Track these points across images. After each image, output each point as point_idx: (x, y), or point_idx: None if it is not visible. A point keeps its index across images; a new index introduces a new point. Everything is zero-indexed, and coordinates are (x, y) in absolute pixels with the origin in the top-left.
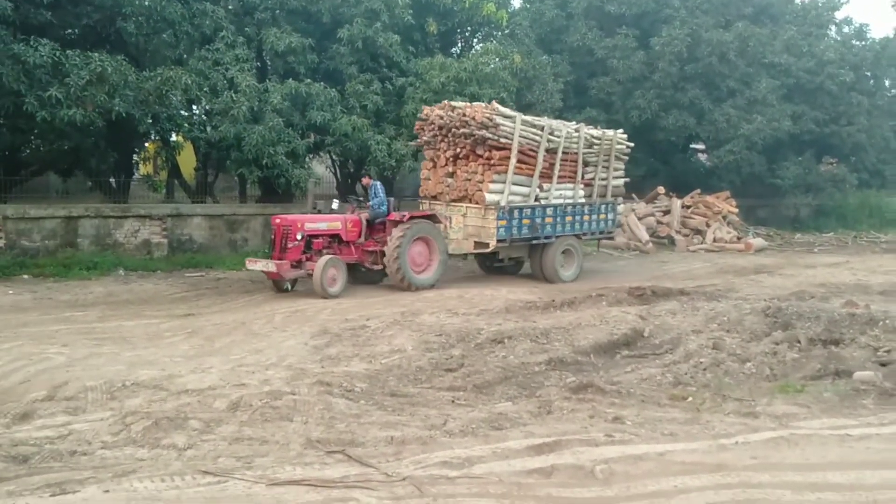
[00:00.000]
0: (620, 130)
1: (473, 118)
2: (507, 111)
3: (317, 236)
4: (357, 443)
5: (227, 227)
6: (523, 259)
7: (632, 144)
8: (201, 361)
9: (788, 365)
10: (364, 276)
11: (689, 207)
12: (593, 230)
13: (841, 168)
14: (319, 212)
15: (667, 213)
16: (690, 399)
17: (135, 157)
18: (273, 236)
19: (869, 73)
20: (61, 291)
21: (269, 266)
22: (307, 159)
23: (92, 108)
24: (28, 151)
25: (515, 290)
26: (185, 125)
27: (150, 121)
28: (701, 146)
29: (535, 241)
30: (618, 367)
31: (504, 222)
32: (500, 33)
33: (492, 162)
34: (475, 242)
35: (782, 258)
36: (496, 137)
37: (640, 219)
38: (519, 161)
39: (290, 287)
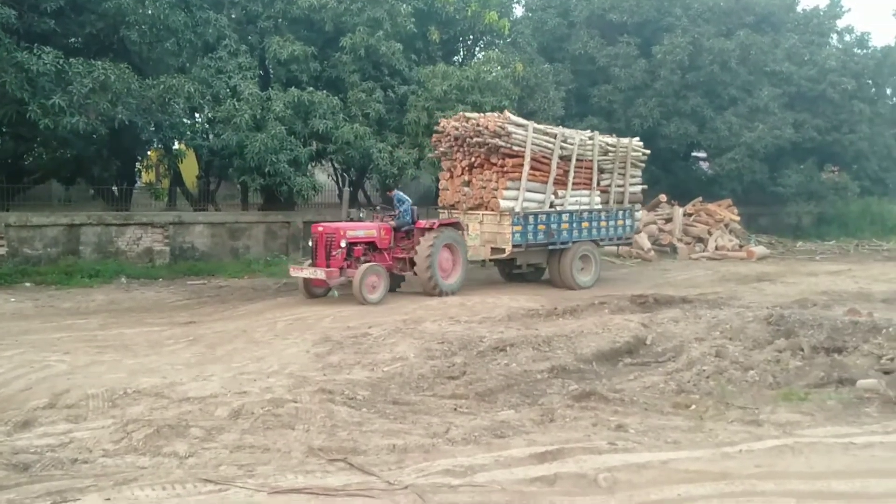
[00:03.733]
0: (637, 139)
1: (486, 127)
2: (520, 120)
3: (356, 244)
4: (359, 451)
5: (229, 234)
6: (543, 265)
7: (647, 151)
8: (203, 369)
9: (791, 373)
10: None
11: (690, 215)
12: (611, 236)
13: (843, 176)
14: (352, 220)
15: (668, 220)
16: (693, 407)
17: (137, 165)
18: (314, 244)
19: (870, 82)
20: (63, 299)
21: (318, 273)
22: (309, 167)
23: (95, 116)
24: (30, 159)
25: (517, 298)
26: (188, 133)
27: (153, 129)
28: (702, 154)
29: (551, 247)
30: (620, 374)
31: (519, 228)
32: (502, 42)
33: (505, 169)
34: (492, 248)
35: (784, 266)
36: (509, 145)
37: (642, 227)
38: (532, 168)
39: (326, 293)
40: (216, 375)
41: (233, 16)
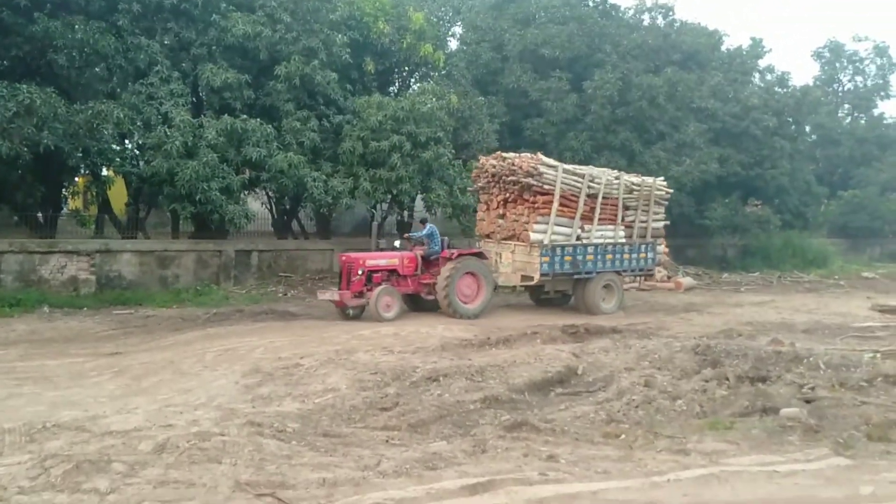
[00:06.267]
0: (661, 179)
1: (520, 167)
2: (551, 161)
3: (376, 271)
4: (288, 485)
5: (158, 263)
6: (569, 292)
7: (671, 191)
8: (127, 402)
9: (718, 402)
10: (425, 304)
11: None
12: (633, 267)
13: (765, 210)
14: (382, 250)
15: None
16: (623, 436)
17: (63, 191)
18: (341, 271)
19: (791, 119)
20: None
21: (335, 296)
22: (242, 195)
23: (19, 140)
24: None
25: (451, 328)
26: (117, 159)
27: (81, 154)
28: None
29: (576, 276)
30: (552, 404)
31: (547, 258)
32: (437, 74)
33: (536, 206)
34: (522, 276)
35: (711, 297)
36: (540, 184)
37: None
38: (561, 205)
39: (350, 313)
40: (141, 408)
41: (165, 42)
